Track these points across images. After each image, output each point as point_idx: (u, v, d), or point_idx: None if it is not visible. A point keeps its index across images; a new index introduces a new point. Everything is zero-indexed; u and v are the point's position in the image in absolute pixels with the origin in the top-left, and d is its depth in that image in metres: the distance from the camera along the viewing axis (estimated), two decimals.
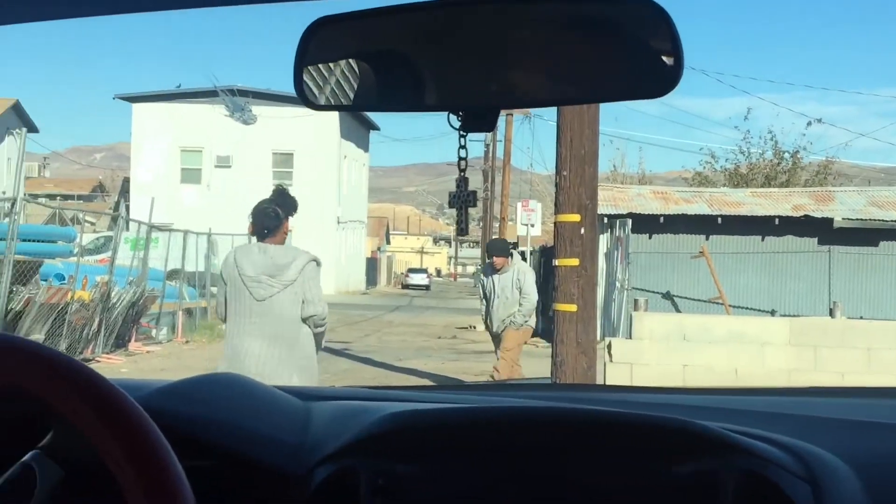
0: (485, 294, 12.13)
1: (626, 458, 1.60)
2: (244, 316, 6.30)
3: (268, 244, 6.43)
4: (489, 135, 56.00)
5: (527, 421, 1.65)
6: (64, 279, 18.10)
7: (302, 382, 5.97)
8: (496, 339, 12.17)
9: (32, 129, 48.16)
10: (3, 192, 38.91)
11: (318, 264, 6.50)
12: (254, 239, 6.55)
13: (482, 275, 12.84)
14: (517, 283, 11.71)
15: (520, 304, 11.71)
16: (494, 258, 11.84)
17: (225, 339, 6.60)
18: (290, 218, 6.58)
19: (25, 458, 1.23)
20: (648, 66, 1.45)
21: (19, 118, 48.11)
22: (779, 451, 1.57)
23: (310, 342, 6.42)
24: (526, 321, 11.80)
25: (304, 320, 6.35)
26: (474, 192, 1.68)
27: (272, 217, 6.47)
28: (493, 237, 12.24)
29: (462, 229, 1.71)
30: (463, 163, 1.63)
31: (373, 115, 51.33)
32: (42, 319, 15.90)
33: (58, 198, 60.91)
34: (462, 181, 1.66)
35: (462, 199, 1.68)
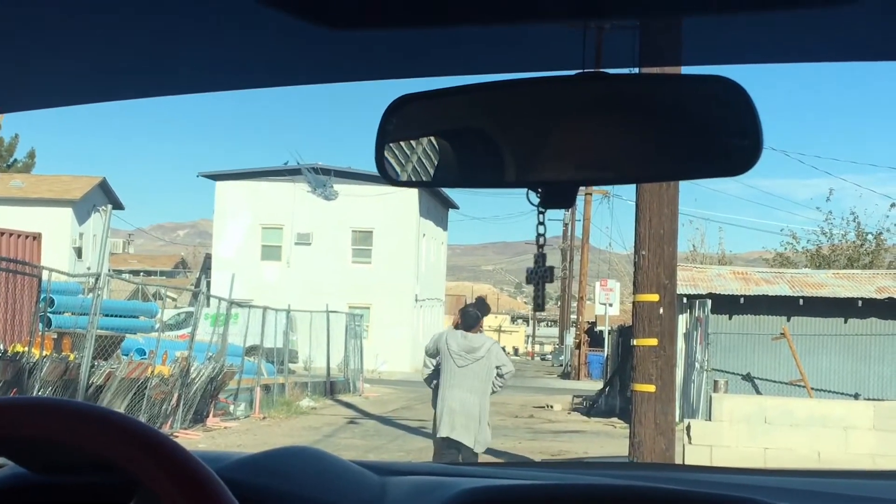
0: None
1: None
2: (449, 376, 9.62)
3: (468, 333, 9.67)
4: (568, 214, 56.01)
5: (602, 498, 1.64)
6: (145, 354, 18.34)
7: (482, 411, 9.59)
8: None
9: (118, 206, 48.98)
10: (89, 268, 39.61)
11: (497, 344, 10.00)
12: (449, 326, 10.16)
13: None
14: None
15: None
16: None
17: (438, 390, 9.73)
18: (485, 318, 9.96)
19: None
20: (728, 144, 1.46)
21: (106, 195, 48.94)
22: None
23: (487, 390, 9.69)
24: None
25: (499, 375, 9.69)
26: (551, 268, 1.69)
27: (473, 317, 9.75)
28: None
29: (539, 305, 1.71)
30: (541, 239, 1.64)
31: (451, 194, 51.58)
32: (122, 394, 16.08)
33: (141, 274, 61.97)
34: (540, 257, 1.67)
35: (539, 275, 1.69)
